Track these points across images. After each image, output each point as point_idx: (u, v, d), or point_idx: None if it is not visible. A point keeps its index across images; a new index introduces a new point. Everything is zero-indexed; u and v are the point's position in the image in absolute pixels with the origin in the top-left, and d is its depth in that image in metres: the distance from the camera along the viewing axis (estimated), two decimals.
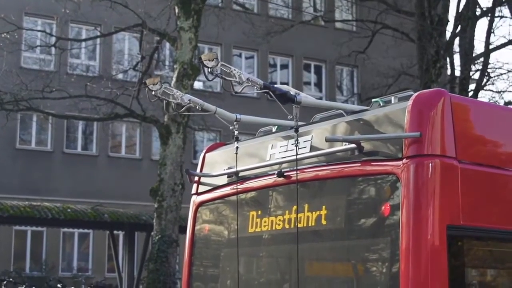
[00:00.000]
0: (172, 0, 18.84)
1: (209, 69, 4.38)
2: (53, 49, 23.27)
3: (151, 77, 21.83)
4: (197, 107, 4.64)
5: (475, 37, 22.46)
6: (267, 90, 4.50)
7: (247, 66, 30.38)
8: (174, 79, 17.20)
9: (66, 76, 24.31)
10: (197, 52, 23.64)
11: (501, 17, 24.63)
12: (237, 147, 5.24)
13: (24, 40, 23.84)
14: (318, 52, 30.45)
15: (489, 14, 23.02)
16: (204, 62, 4.38)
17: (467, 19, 21.60)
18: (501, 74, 25.46)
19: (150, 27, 19.36)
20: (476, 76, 23.58)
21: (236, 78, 4.44)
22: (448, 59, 22.30)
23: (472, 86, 23.01)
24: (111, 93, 20.76)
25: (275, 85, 4.62)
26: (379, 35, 24.25)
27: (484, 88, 24.54)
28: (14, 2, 25.72)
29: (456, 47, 23.56)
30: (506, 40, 24.15)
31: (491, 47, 23.24)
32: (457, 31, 22.07)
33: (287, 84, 30.74)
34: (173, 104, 4.80)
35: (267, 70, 30.75)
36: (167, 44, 20.89)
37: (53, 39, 22.95)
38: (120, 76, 25.30)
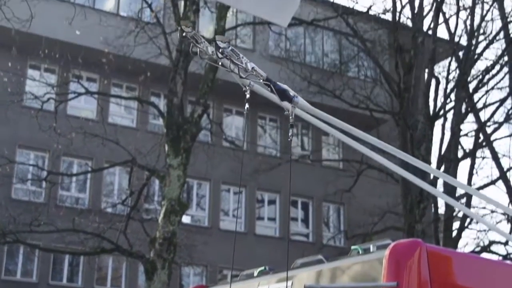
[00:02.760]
0: (162, 138, 19.34)
1: (220, 49, 4.54)
2: (44, 182, 23.56)
3: (139, 211, 22.01)
4: (217, 61, 4.71)
5: (457, 178, 22.91)
6: (269, 84, 4.66)
7: (235, 201, 30.66)
8: (161, 214, 17.38)
9: (55, 209, 24.45)
10: (186, 187, 24.05)
11: (483, 157, 25.21)
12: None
13: (15, 173, 24.13)
14: (305, 189, 30.85)
15: (471, 156, 23.61)
16: (217, 42, 4.55)
17: (449, 161, 22.14)
18: (485, 215, 25.74)
19: (140, 164, 19.75)
20: (460, 215, 23.87)
21: (242, 65, 4.58)
22: (431, 199, 22.66)
23: (456, 225, 23.27)
24: (98, 227, 20.88)
25: (277, 83, 4.74)
26: (365, 173, 24.76)
27: (468, 227, 24.78)
28: (8, 135, 26.20)
29: (439, 187, 23.99)
30: (488, 181, 24.62)
31: (473, 187, 23.66)
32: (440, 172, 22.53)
33: (274, 220, 30.99)
34: (198, 50, 4.82)
35: (255, 205, 31.02)
36: (156, 180, 21.26)
37: (45, 173, 23.30)
38: (109, 209, 25.47)
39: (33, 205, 23.29)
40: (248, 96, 4.73)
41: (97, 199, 27.33)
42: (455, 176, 22.57)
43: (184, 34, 4.76)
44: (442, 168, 22.54)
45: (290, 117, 4.72)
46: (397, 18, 23.82)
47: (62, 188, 27.71)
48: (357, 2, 29.43)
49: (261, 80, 4.60)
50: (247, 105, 4.72)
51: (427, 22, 24.05)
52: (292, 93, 4.75)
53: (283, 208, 31.40)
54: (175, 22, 19.54)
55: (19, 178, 24.22)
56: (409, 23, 24.24)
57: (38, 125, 20.06)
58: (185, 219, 27.49)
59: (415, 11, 23.66)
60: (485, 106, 24.28)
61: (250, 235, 29.71)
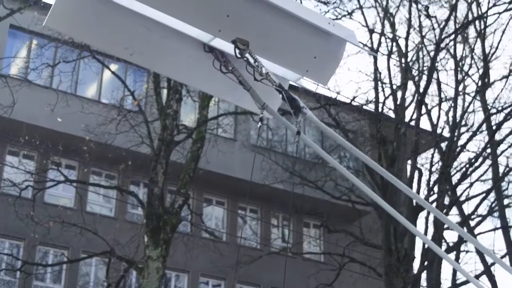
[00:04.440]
0: (141, 228, 18.95)
1: (240, 51, 4.65)
2: (18, 272, 22.92)
3: None
4: (238, 76, 4.92)
5: (442, 272, 22.62)
6: (281, 90, 4.75)
7: None
8: None
9: None
10: (164, 280, 23.49)
11: (467, 252, 24.91)
12: None
13: None
14: (286, 282, 30.28)
15: (455, 250, 23.36)
16: (238, 43, 4.66)
17: (433, 254, 21.85)
18: None
19: (118, 255, 19.27)
20: None
21: (258, 69, 4.68)
22: None
23: None
24: None
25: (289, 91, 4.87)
26: (347, 267, 24.34)
27: None
28: None
29: (423, 281, 23.64)
30: (472, 275, 24.26)
31: (458, 281, 23.33)
32: (424, 265, 22.24)
33: None
34: (221, 62, 4.98)
35: None
36: (134, 271, 20.74)
37: (19, 262, 22.69)
38: None
39: None
40: (261, 114, 4.92)
41: None
42: (439, 270, 22.24)
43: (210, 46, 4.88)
44: (426, 262, 22.23)
45: (298, 126, 4.88)
46: (379, 109, 23.94)
47: (37, 278, 26.97)
48: (339, 93, 29.68)
49: (274, 86, 4.72)
50: (259, 123, 5.07)
51: (409, 113, 24.21)
52: (302, 104, 4.88)
53: None
54: (158, 111, 19.48)
55: None
56: (392, 114, 24.36)
57: (15, 213, 19.63)
58: None
59: (398, 102, 23.80)
60: (468, 198, 24.18)
61: None
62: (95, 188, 25.21)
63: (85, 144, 21.22)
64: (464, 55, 25.04)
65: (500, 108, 24.36)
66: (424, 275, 22.91)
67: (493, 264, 23.61)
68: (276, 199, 27.38)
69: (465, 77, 24.86)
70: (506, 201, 24.70)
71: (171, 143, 18.34)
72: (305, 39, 4.89)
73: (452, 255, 23.50)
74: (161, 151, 18.07)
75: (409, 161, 24.31)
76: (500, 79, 24.98)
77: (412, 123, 23.78)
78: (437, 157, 24.21)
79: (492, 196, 24.33)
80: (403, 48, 24.33)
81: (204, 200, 30.27)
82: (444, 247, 23.17)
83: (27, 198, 21.57)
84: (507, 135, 24.26)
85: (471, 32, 25.61)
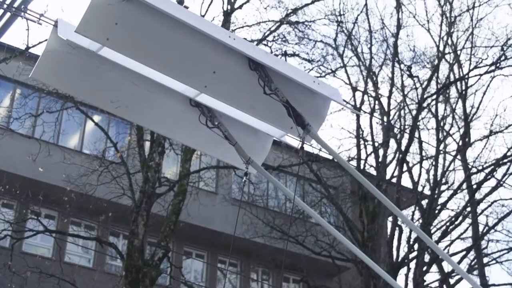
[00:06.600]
0: (120, 280, 18.77)
1: (254, 65, 4.78)
2: None
3: None
4: (224, 131, 5.11)
5: None
6: (288, 106, 4.91)
7: None
8: None
9: None
10: None
11: None
12: None
13: None
14: None
15: None
16: (252, 59, 4.76)
17: None
18: None
19: None
20: None
21: (269, 84, 4.86)
22: None
23: None
24: None
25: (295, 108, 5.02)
26: None
27: None
28: None
29: None
30: None
31: None
32: None
33: None
34: (207, 117, 5.13)
35: None
36: None
37: None
38: None
39: None
40: (246, 169, 5.14)
41: None
42: None
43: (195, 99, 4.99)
44: None
45: (301, 142, 5.06)
46: (361, 166, 24.05)
47: None
48: (321, 149, 29.78)
49: (282, 102, 4.88)
50: (244, 177, 5.20)
51: (390, 171, 24.34)
52: (306, 121, 5.03)
53: None
54: (140, 163, 19.47)
55: None
56: (373, 171, 24.46)
57: None
58: None
59: (379, 160, 23.93)
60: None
61: None
62: (74, 239, 25.00)
63: (65, 195, 21.10)
64: (445, 114, 25.34)
65: (480, 168, 24.57)
66: None
67: None
68: (256, 253, 27.24)
69: (446, 136, 25.11)
70: (485, 260, 24.73)
71: (152, 196, 18.30)
72: (291, 97, 4.95)
73: None
74: (142, 203, 18.02)
75: (390, 218, 24.34)
76: (481, 139, 25.25)
77: (394, 180, 23.90)
78: (417, 214, 24.29)
79: (472, 254, 24.36)
80: (386, 107, 24.59)
81: (184, 252, 30.04)
82: None
83: (5, 247, 21.33)
84: (487, 194, 24.40)
85: (453, 92, 25.97)
